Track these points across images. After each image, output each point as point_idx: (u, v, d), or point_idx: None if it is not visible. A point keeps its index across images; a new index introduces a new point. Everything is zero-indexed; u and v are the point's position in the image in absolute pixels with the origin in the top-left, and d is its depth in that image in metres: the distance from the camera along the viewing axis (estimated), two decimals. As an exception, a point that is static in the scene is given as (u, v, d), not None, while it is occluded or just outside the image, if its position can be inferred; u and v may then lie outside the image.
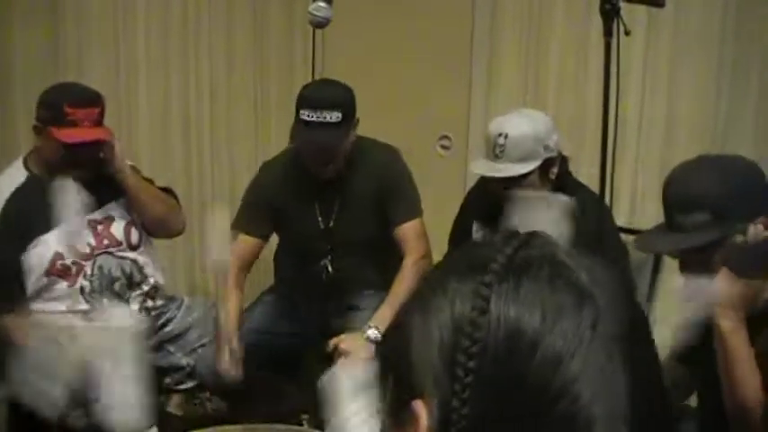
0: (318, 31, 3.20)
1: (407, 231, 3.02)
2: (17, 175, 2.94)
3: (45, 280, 2.90)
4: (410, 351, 0.75)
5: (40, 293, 2.91)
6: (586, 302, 0.71)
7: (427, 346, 0.73)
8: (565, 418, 0.68)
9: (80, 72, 3.73)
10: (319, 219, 3.09)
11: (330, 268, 3.13)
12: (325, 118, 2.84)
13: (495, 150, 2.69)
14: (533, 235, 0.78)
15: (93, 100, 2.89)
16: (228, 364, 2.84)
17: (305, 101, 2.89)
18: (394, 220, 3.03)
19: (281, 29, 4.29)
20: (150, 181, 3.20)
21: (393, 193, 3.05)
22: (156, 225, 3.16)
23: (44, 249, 2.88)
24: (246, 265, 3.11)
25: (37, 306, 2.89)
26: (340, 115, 2.86)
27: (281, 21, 4.28)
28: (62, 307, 2.91)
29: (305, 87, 3.03)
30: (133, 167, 3.11)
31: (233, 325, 2.92)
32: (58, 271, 2.90)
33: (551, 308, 0.70)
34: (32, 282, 2.89)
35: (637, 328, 0.75)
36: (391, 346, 0.80)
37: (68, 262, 2.91)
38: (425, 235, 3.05)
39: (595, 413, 0.69)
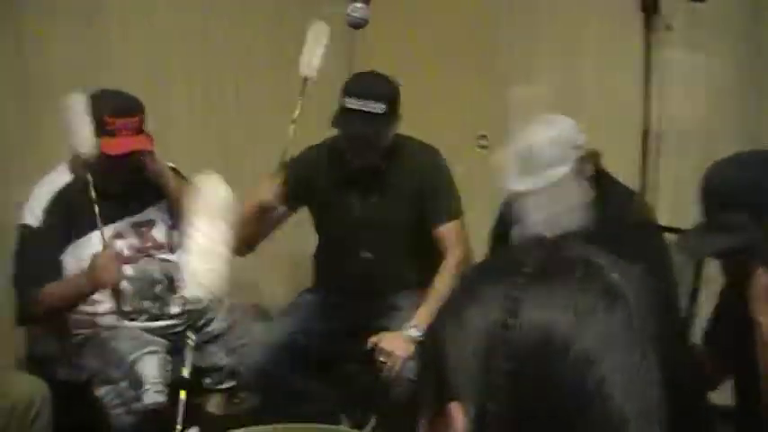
0: (355, 33, 3.20)
1: (448, 233, 3.02)
2: (62, 176, 2.97)
3: None
4: (446, 355, 0.76)
5: None
6: (618, 303, 0.71)
7: (462, 350, 0.74)
8: (598, 418, 0.68)
9: (111, 80, 3.76)
10: (357, 207, 3.09)
11: (367, 259, 3.13)
12: (368, 107, 2.86)
13: (522, 164, 2.63)
14: (565, 238, 0.79)
15: (133, 108, 2.89)
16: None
17: (351, 88, 2.91)
18: (434, 222, 3.03)
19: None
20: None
21: (434, 193, 3.04)
22: None
23: (86, 250, 2.91)
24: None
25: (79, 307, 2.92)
26: (384, 107, 2.87)
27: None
28: (103, 308, 2.93)
29: (352, 76, 3.04)
30: (174, 169, 3.13)
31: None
32: None
33: (583, 309, 0.70)
34: None
35: (671, 329, 0.77)
36: (428, 349, 0.82)
37: None
38: (466, 237, 3.05)
39: (628, 413, 0.69)
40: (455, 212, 3.06)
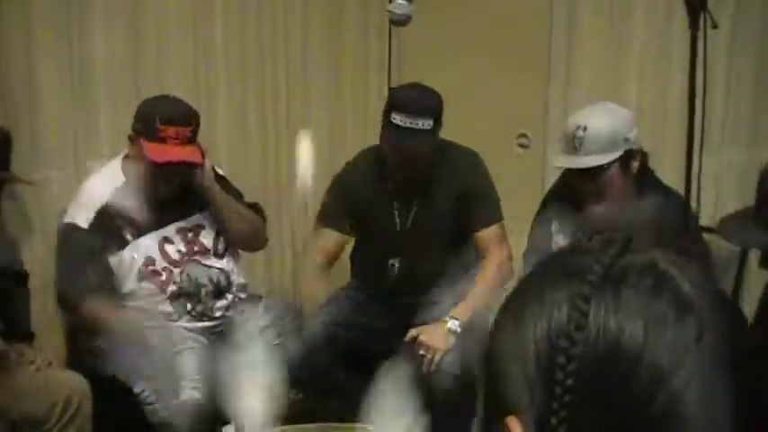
0: (394, 31, 3.18)
1: (489, 236, 3.03)
2: (114, 177, 2.98)
3: (136, 283, 2.95)
4: (504, 365, 0.72)
5: (130, 296, 2.96)
6: (690, 316, 0.67)
7: (523, 361, 0.70)
8: None
9: (159, 75, 3.79)
10: (397, 220, 3.10)
11: (404, 268, 3.14)
12: (417, 125, 2.85)
13: (575, 143, 2.67)
14: (632, 240, 0.74)
15: (185, 118, 2.90)
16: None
17: (398, 105, 2.89)
18: (476, 225, 3.04)
19: (356, 29, 4.30)
20: (239, 194, 3.23)
21: (475, 197, 3.05)
22: (238, 242, 3.20)
23: (137, 253, 2.93)
24: (331, 259, 3.15)
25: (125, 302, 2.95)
26: (431, 122, 2.87)
27: (356, 21, 4.29)
28: (147, 308, 2.96)
29: (397, 90, 3.05)
30: (222, 178, 3.15)
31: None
32: (149, 275, 2.95)
33: (653, 320, 0.66)
34: (125, 284, 2.95)
35: (742, 345, 0.71)
36: (484, 359, 0.76)
37: (159, 267, 2.96)
38: (506, 239, 3.07)
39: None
40: (496, 217, 3.07)
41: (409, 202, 3.08)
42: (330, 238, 3.13)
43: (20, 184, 3.29)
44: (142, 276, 2.95)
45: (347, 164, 3.25)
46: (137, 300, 2.96)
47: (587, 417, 0.66)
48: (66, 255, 2.92)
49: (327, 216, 3.16)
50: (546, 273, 0.75)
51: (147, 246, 2.95)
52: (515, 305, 0.75)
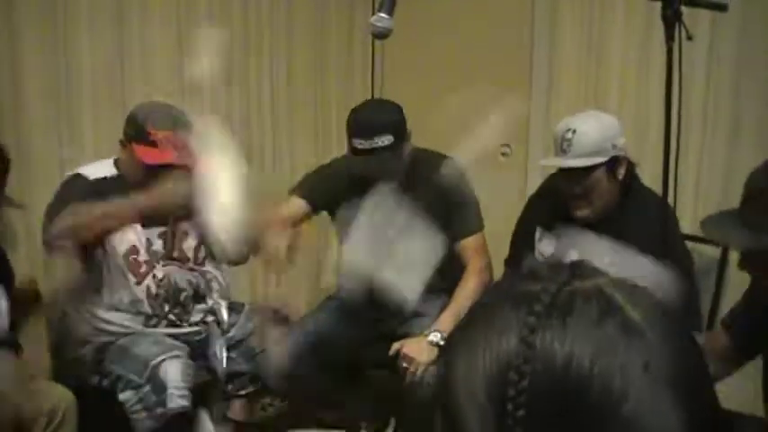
0: (378, 43, 3.20)
1: (469, 245, 3.05)
2: (107, 168, 3.02)
3: (115, 272, 2.95)
4: (456, 393, 0.71)
5: (109, 283, 2.97)
6: (637, 341, 0.67)
7: (473, 391, 0.69)
8: None
9: (144, 84, 3.80)
10: None
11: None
12: (376, 144, 2.88)
13: (563, 145, 2.71)
14: (579, 267, 0.74)
15: (177, 123, 2.93)
16: None
17: (355, 128, 2.93)
18: (456, 235, 3.05)
19: (341, 41, 4.32)
20: None
21: (456, 207, 3.06)
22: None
23: (121, 240, 2.94)
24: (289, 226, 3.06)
25: (104, 294, 2.97)
26: (392, 137, 2.89)
27: (341, 31, 4.31)
28: (126, 301, 2.97)
29: (354, 112, 3.03)
30: None
31: None
32: (130, 264, 2.96)
33: (601, 348, 0.66)
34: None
35: (692, 365, 0.71)
36: (437, 384, 0.76)
37: (141, 259, 2.97)
38: (486, 249, 3.08)
39: None
40: (476, 227, 3.08)
41: None
42: (293, 205, 3.10)
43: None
44: (123, 265, 2.95)
45: (336, 158, 3.27)
46: (114, 290, 2.97)
47: None
48: (64, 194, 2.93)
49: (301, 186, 3.16)
50: (496, 301, 0.75)
51: (131, 234, 2.96)
52: (467, 333, 0.74)
